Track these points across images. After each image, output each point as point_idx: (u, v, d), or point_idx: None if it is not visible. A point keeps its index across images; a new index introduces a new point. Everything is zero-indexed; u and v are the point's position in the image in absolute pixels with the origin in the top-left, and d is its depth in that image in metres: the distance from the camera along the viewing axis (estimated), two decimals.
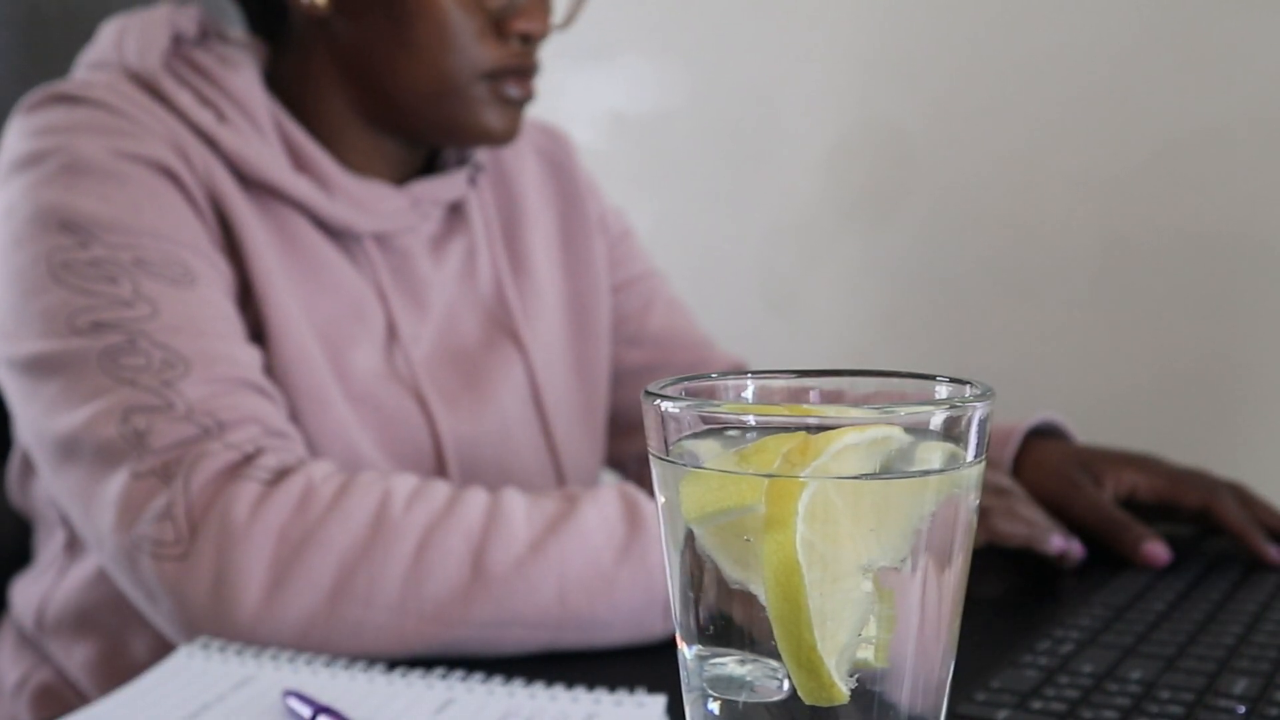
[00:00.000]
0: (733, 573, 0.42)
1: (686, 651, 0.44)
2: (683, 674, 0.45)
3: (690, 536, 0.43)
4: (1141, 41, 1.57)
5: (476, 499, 0.76)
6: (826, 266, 1.83)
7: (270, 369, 0.87)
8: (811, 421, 0.41)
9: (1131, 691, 0.65)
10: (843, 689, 0.41)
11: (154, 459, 0.76)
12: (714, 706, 0.44)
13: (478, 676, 0.68)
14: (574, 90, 1.93)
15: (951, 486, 0.42)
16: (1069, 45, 1.62)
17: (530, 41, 0.93)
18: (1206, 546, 0.96)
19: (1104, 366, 1.63)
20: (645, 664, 0.72)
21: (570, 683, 0.67)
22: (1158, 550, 0.90)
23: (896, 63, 1.75)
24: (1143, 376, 1.60)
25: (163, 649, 0.80)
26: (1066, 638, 0.74)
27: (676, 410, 0.43)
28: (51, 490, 0.86)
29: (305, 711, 0.62)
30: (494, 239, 1.04)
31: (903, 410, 0.41)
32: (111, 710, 0.64)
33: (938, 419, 0.42)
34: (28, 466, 0.96)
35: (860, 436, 0.41)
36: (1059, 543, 0.88)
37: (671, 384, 0.46)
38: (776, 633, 0.41)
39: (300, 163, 0.93)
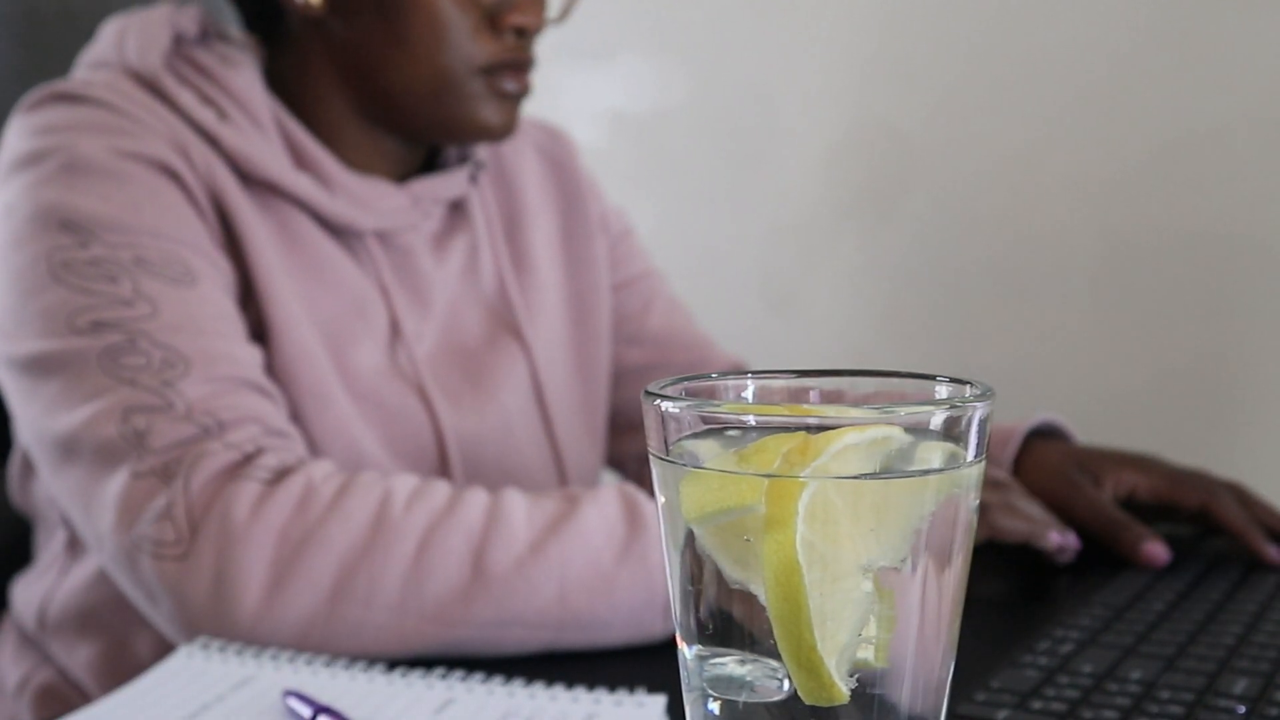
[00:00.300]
0: (733, 573, 0.42)
1: (686, 651, 0.44)
2: (683, 674, 0.45)
3: (690, 536, 0.43)
4: (1141, 41, 1.57)
5: (477, 499, 0.76)
6: (826, 266, 1.83)
7: (272, 367, 0.87)
8: (811, 421, 0.41)
9: (1131, 691, 0.65)
10: (843, 689, 0.41)
11: (154, 459, 0.76)
12: (714, 706, 0.44)
13: (478, 676, 0.68)
14: (574, 90, 1.93)
15: (951, 486, 0.42)
16: (1069, 45, 1.62)
17: (525, 36, 0.93)
18: (1206, 546, 0.96)
19: (1104, 366, 1.63)
20: (645, 664, 0.72)
21: (570, 683, 0.67)
22: (1157, 550, 0.90)
23: (896, 63, 1.75)
24: (1142, 376, 1.60)
25: (165, 648, 0.80)
26: (1066, 638, 0.74)
27: (676, 410, 0.43)
28: (51, 490, 0.86)
29: (305, 711, 0.62)
30: (496, 236, 1.04)
31: (903, 410, 0.41)
32: (111, 710, 0.64)
33: (938, 419, 0.42)
34: (28, 466, 0.96)
35: (860, 436, 0.41)
36: (1057, 538, 0.88)
37: (671, 384, 0.46)
38: (776, 633, 0.41)
39: (301, 161, 0.93)
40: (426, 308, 0.98)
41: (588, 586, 0.73)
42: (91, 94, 0.88)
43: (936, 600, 0.42)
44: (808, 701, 0.41)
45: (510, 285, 1.03)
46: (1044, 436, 1.03)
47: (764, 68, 1.85)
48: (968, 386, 0.45)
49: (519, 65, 0.94)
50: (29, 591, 0.96)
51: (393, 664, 0.71)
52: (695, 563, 0.43)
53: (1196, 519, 0.96)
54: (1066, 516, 0.94)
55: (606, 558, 0.74)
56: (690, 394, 0.46)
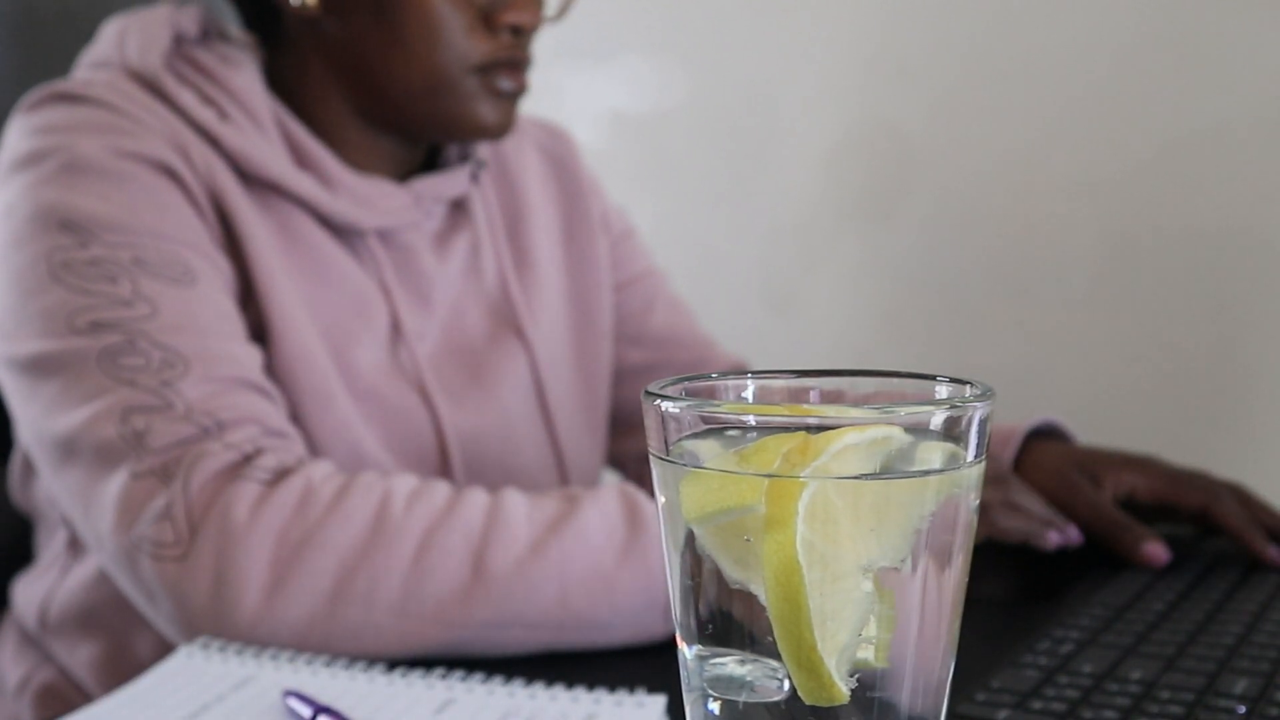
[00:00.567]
0: (733, 573, 0.42)
1: (686, 651, 0.44)
2: (683, 674, 0.45)
3: (690, 536, 0.43)
4: (1141, 41, 1.57)
5: (477, 499, 0.76)
6: (826, 266, 1.83)
7: (273, 367, 0.87)
8: (811, 421, 0.41)
9: (1131, 691, 0.65)
10: (843, 689, 0.41)
11: (153, 459, 0.76)
12: (714, 706, 0.44)
13: (478, 676, 0.68)
14: (574, 90, 1.93)
15: (951, 486, 0.42)
16: (1069, 45, 1.62)
17: (521, 34, 0.93)
18: (1206, 546, 0.96)
19: (1104, 366, 1.63)
20: (645, 664, 0.72)
21: (570, 683, 0.67)
22: (1157, 550, 0.90)
23: (896, 62, 1.75)
24: (1143, 376, 1.60)
25: (165, 648, 0.80)
26: (1066, 638, 0.74)
27: (677, 410, 0.43)
28: (51, 490, 0.86)
29: (305, 711, 0.62)
30: (497, 235, 1.04)
31: (903, 410, 0.41)
32: (111, 710, 0.64)
33: (938, 419, 0.42)
34: (29, 466, 0.96)
35: (860, 436, 0.41)
36: (1056, 538, 0.88)
37: (671, 384, 0.46)
38: (776, 633, 0.41)
39: (302, 160, 0.93)
40: (428, 307, 0.98)
41: (588, 587, 0.73)
42: (91, 94, 0.88)
43: (936, 600, 0.42)
44: (808, 701, 0.41)
45: (512, 284, 1.03)
46: (1044, 437, 1.03)
47: (764, 68, 1.85)
48: (968, 386, 0.45)
49: (515, 64, 0.94)
50: (30, 591, 0.96)
51: (393, 664, 0.71)
52: (695, 563, 0.43)
53: (1196, 519, 0.96)
54: (1066, 517, 0.94)
55: (607, 558, 0.74)
56: (690, 394, 0.46)
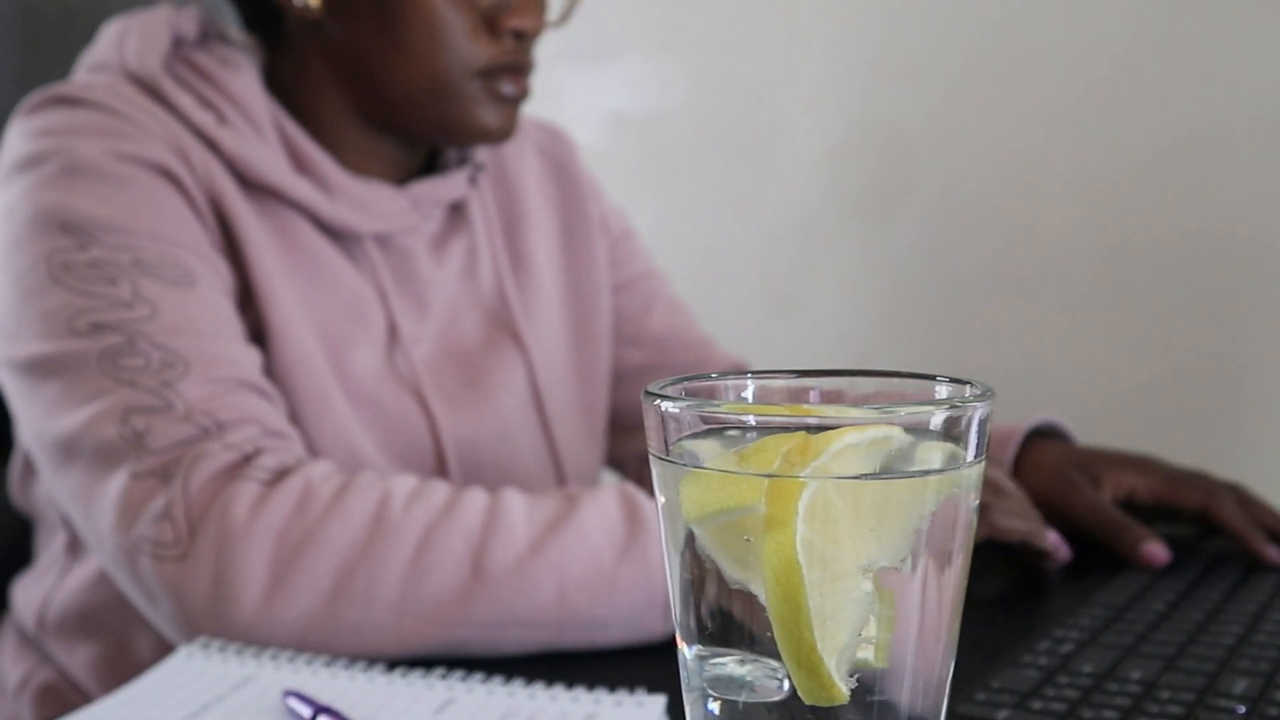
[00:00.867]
0: (733, 573, 0.42)
1: (686, 651, 0.44)
2: (683, 674, 0.45)
3: (690, 536, 0.43)
4: (1142, 42, 1.57)
5: (476, 499, 0.76)
6: (826, 266, 1.83)
7: (271, 370, 0.87)
8: (811, 421, 0.41)
9: (1131, 691, 0.65)
10: (843, 689, 0.41)
11: (153, 459, 0.76)
12: (714, 706, 0.44)
13: (478, 676, 0.68)
14: (574, 90, 1.93)
15: (951, 486, 0.42)
16: (1070, 46, 1.62)
17: (524, 38, 0.93)
18: (1206, 547, 0.96)
19: (1104, 367, 1.63)
20: (645, 664, 0.72)
21: (570, 683, 0.67)
22: (1157, 551, 0.90)
23: (897, 63, 1.75)
24: (1143, 377, 1.60)
25: (165, 648, 0.80)
26: (1066, 638, 0.74)
27: (676, 410, 0.43)
28: (52, 491, 0.86)
29: (305, 711, 0.62)
30: (495, 238, 1.04)
31: (903, 410, 0.41)
32: (111, 710, 0.64)
33: (938, 419, 0.42)
34: (29, 467, 0.96)
35: (860, 436, 0.41)
36: (1055, 537, 0.88)
37: (671, 384, 0.46)
38: (776, 633, 0.41)
39: (301, 164, 0.93)
40: (424, 311, 0.98)
41: (587, 586, 0.73)
42: (91, 97, 0.88)
43: (936, 600, 0.42)
44: (808, 701, 0.41)
45: (509, 287, 1.03)
46: (1044, 437, 1.03)
47: (765, 68, 1.85)
48: (968, 386, 0.45)
49: (517, 68, 0.94)
50: (29, 592, 0.96)
51: (393, 664, 0.71)
52: (695, 563, 0.43)
53: (1196, 520, 0.96)
54: (1066, 517, 0.94)
55: (606, 557, 0.74)
56: (690, 394, 0.46)
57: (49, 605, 0.94)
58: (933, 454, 0.42)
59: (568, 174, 1.11)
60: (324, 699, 0.64)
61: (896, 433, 0.41)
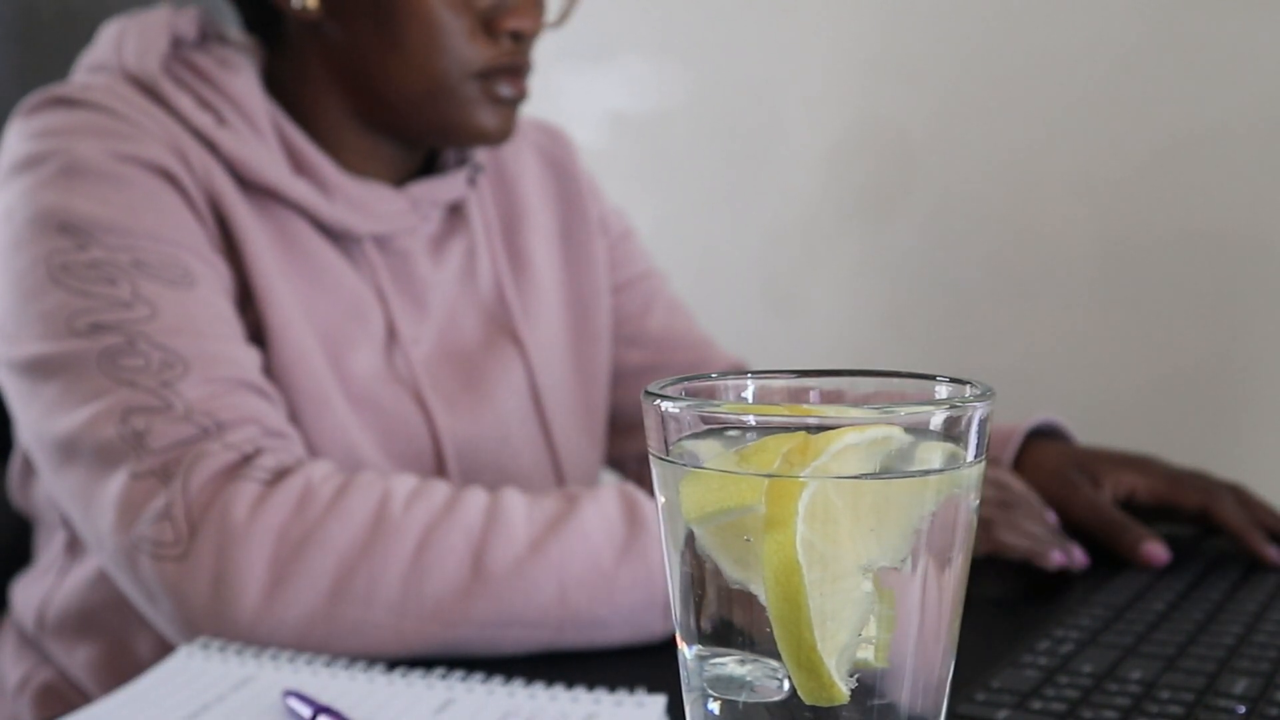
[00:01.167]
0: (733, 573, 0.42)
1: (686, 651, 0.44)
2: (683, 674, 0.45)
3: (690, 536, 0.43)
4: (1142, 42, 1.57)
5: (476, 498, 0.76)
6: (826, 266, 1.83)
7: (270, 371, 0.87)
8: (811, 421, 0.41)
9: (1131, 691, 0.65)
10: (843, 689, 0.41)
11: (153, 459, 0.76)
12: (714, 706, 0.44)
13: (478, 676, 0.68)
14: (574, 90, 1.93)
15: (951, 486, 0.42)
16: (1070, 46, 1.62)
17: (522, 40, 0.93)
18: (1206, 546, 0.96)
19: (1104, 367, 1.63)
20: (645, 664, 0.72)
21: (570, 683, 0.67)
22: (1157, 550, 0.90)
23: (897, 63, 1.75)
24: (1143, 377, 1.60)
25: (165, 649, 0.80)
26: (1066, 638, 0.74)
27: (676, 410, 0.43)
28: (51, 491, 0.86)
29: (305, 711, 0.62)
30: (494, 239, 1.04)
31: (903, 410, 0.41)
32: (111, 710, 0.64)
33: (938, 419, 0.42)
34: (28, 467, 0.96)
35: (860, 436, 0.41)
36: (1059, 558, 0.87)
37: (671, 384, 0.46)
38: (776, 633, 0.41)
39: (299, 165, 0.93)
40: (423, 312, 0.98)
41: (587, 586, 0.73)
42: (90, 98, 0.88)
43: (936, 600, 0.42)
44: (808, 701, 0.41)
45: (508, 288, 1.03)
46: (1044, 437, 1.03)
47: (765, 68, 1.85)
48: (968, 386, 0.45)
49: (516, 70, 0.94)
50: (29, 592, 0.96)
51: (393, 664, 0.71)
52: (695, 563, 0.43)
53: (1196, 520, 0.96)
54: (1066, 517, 0.94)
55: (606, 557, 0.74)
56: (690, 394, 0.46)
57: (48, 605, 0.94)
58: (933, 454, 0.42)
59: (567, 174, 1.11)
60: (324, 699, 0.64)
61: (896, 433, 0.41)
